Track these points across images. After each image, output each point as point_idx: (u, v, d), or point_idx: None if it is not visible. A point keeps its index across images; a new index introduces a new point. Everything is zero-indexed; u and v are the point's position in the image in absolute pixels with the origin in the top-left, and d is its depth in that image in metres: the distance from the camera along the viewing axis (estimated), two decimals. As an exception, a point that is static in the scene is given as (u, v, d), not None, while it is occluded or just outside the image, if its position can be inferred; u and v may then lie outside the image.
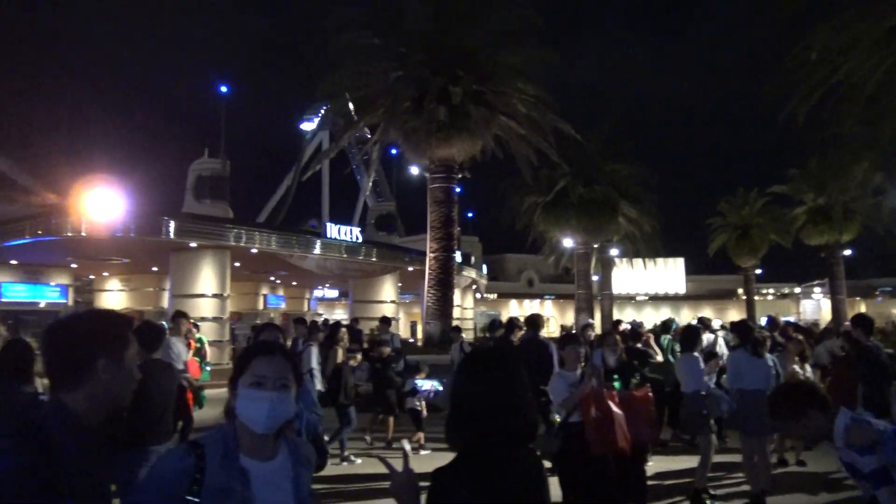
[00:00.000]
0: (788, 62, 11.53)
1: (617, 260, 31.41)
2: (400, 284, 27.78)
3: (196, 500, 1.63)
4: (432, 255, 16.03)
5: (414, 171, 20.99)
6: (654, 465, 7.41)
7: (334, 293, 43.29)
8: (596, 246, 26.31)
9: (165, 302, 26.05)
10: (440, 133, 14.79)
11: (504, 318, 41.55)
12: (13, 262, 21.83)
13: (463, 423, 1.77)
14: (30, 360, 5.27)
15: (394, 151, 20.80)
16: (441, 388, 9.22)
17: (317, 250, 21.43)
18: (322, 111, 49.74)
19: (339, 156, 52.39)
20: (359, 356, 8.91)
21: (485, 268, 40.22)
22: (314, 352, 8.57)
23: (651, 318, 36.99)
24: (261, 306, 29.89)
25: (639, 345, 8.22)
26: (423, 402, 8.84)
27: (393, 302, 26.34)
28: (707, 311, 38.40)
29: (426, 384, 9.20)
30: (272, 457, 1.79)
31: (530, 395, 1.88)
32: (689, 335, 7.34)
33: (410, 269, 25.66)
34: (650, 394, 6.10)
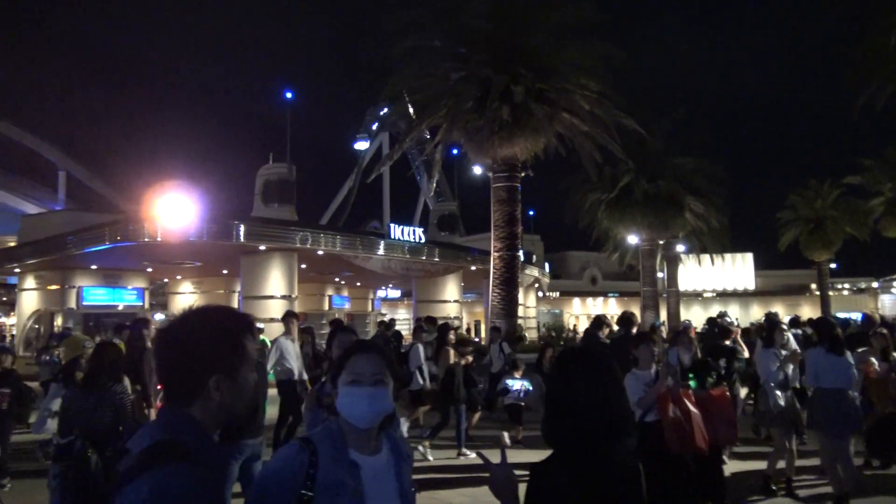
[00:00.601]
0: (866, 47, 11.09)
1: (683, 256, 30.74)
2: (462, 284, 27.87)
3: (310, 494, 1.71)
4: (496, 254, 16.04)
5: (476, 170, 21.02)
6: (732, 465, 7.27)
7: (397, 293, 43.74)
8: (661, 242, 25.84)
9: (235, 303, 26.84)
10: (503, 132, 14.79)
11: (566, 316, 41.23)
12: (94, 266, 22.81)
13: (559, 420, 1.85)
14: (121, 361, 5.57)
15: (455, 151, 20.82)
16: (531, 388, 9.20)
17: (380, 251, 21.69)
18: (382, 113, 50.49)
19: (399, 157, 53.02)
20: (470, 357, 9.22)
21: (547, 266, 39.94)
22: (420, 350, 9.11)
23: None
24: (326, 307, 30.43)
25: (727, 342, 8.02)
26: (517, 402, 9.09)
27: (456, 301, 26.46)
28: (778, 308, 37.23)
29: (517, 384, 9.22)
30: (377, 451, 1.87)
31: (623, 390, 1.96)
32: (767, 330, 7.22)
33: (473, 268, 25.72)
34: (727, 393, 6.02)
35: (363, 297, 34.53)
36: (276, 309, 19.21)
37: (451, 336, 9.20)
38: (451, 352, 8.73)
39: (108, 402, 5.16)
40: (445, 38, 15.29)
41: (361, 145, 38.15)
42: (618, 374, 1.94)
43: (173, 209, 17.18)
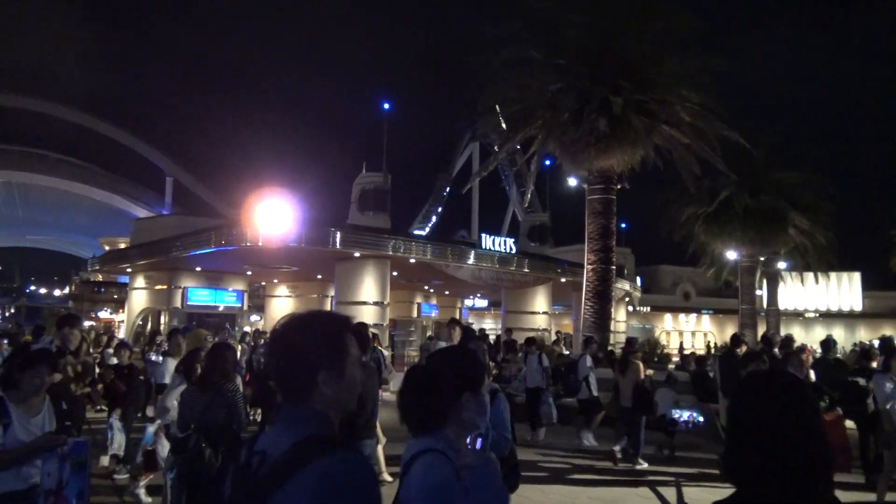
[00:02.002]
0: None
1: (784, 273, 29.40)
2: (551, 295, 27.62)
3: None
4: (590, 266, 15.83)
5: (571, 182, 20.82)
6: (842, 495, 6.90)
7: (484, 303, 43.80)
8: (762, 258, 24.81)
9: (328, 307, 27.59)
10: (600, 144, 14.61)
11: (658, 332, 40.12)
12: (198, 268, 23.94)
13: (746, 454, 1.59)
14: (234, 361, 5.82)
15: (547, 163, 20.69)
16: (702, 419, 9.01)
17: (470, 260, 21.80)
18: (475, 125, 50.81)
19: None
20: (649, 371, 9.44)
21: (639, 279, 39.04)
22: (588, 361, 9.37)
23: (821, 336, 34.25)
24: (415, 314, 30.79)
25: (874, 363, 7.64)
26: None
27: (545, 313, 26.25)
28: (888, 330, 35.00)
29: (685, 414, 9.02)
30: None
31: (821, 425, 1.65)
32: (885, 355, 6.89)
33: (563, 280, 25.48)
34: (840, 417, 5.75)
35: (451, 306, 34.76)
36: (368, 315, 19.63)
37: (637, 347, 9.60)
38: (641, 365, 8.98)
39: (222, 400, 5.41)
40: (543, 49, 15.24)
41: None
42: (815, 405, 1.68)
43: (274, 215, 17.82)
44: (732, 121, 16.17)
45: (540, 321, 25.55)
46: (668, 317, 46.26)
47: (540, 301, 26.13)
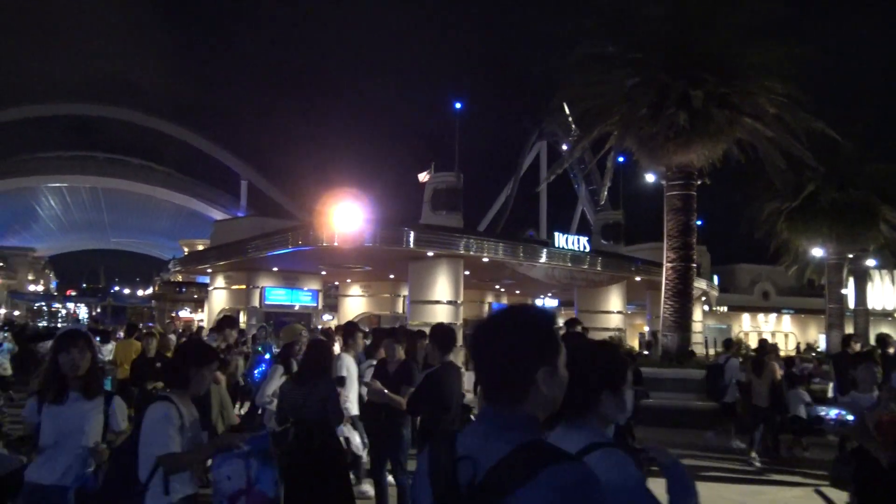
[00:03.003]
0: None
1: (872, 271, 28.06)
2: (625, 295, 27.10)
3: None
4: (669, 264, 15.45)
5: (648, 178, 20.43)
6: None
7: (554, 302, 43.38)
8: (850, 256, 23.72)
9: (400, 307, 27.82)
10: (679, 139, 14.23)
11: (735, 332, 38.90)
12: (275, 268, 24.51)
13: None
14: (331, 358, 5.90)
15: (620, 160, 20.31)
16: (853, 418, 8.86)
17: (542, 259, 21.59)
18: (542, 124, 50.46)
19: (557, 166, 52.71)
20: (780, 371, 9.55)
21: (716, 278, 37.91)
22: (737, 364, 9.56)
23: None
24: (486, 314, 30.71)
25: None
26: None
27: (620, 312, 25.79)
28: None
29: (832, 412, 8.82)
30: None
31: None
32: None
33: (638, 278, 24.97)
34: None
35: (521, 306, 34.46)
36: (442, 314, 19.68)
37: (773, 349, 9.79)
38: (776, 367, 9.13)
39: (317, 395, 5.48)
40: (620, 44, 14.96)
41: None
42: None
43: (348, 216, 18.04)
44: (820, 111, 15.52)
45: (614, 321, 25.12)
46: (745, 317, 44.79)
47: (614, 300, 25.68)
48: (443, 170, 24.03)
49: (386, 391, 6.12)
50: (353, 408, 6.96)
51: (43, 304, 60.05)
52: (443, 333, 6.00)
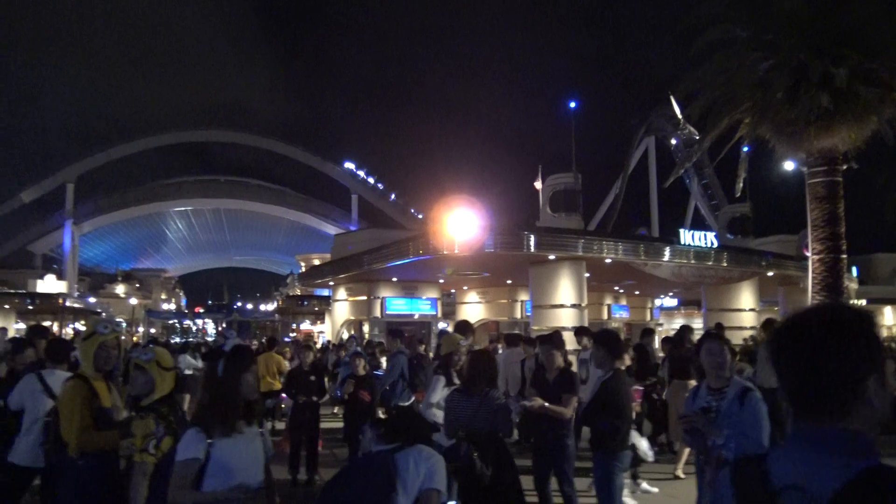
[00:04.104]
0: None
1: None
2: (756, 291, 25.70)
3: None
4: (816, 257, 14.42)
5: (788, 166, 19.25)
6: None
7: (674, 302, 41.91)
8: None
9: (518, 312, 27.59)
10: (821, 121, 13.24)
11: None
12: (394, 279, 24.88)
13: None
14: (496, 369, 5.75)
15: (745, 149, 19.23)
16: None
17: (666, 257, 20.79)
18: (649, 119, 48.98)
19: (665, 160, 51.02)
20: None
21: (855, 270, 35.34)
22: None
23: None
24: (605, 316, 29.99)
25: None
26: None
27: (752, 310, 24.46)
28: None
29: None
30: None
31: None
32: None
33: (770, 273, 23.62)
34: None
35: (641, 307, 33.49)
36: (566, 318, 19.31)
37: None
38: None
39: (486, 407, 5.34)
40: (750, 27, 14.15)
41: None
42: None
43: (466, 223, 18.03)
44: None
45: (746, 319, 23.81)
46: (887, 310, 41.51)
47: (746, 297, 24.37)
48: (559, 171, 23.64)
49: (546, 404, 5.91)
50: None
51: (175, 321, 63.86)
52: (612, 339, 5.75)
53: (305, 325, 46.85)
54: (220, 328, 65.42)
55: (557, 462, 6.05)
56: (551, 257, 19.20)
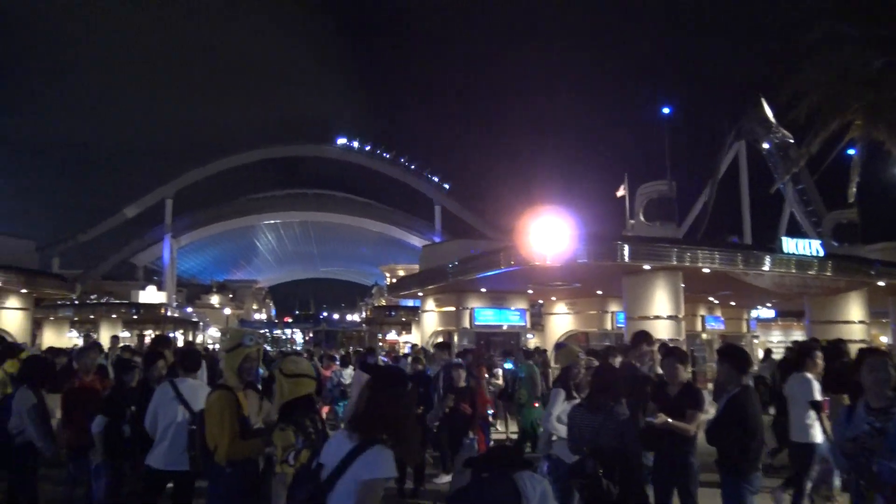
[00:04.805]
0: None
1: None
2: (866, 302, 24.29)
3: None
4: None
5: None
6: None
7: (771, 313, 40.19)
8: None
9: (609, 324, 27.07)
10: (942, 121, 12.52)
11: None
12: (483, 289, 24.87)
13: None
14: (620, 382, 5.63)
15: (850, 152, 18.30)
16: None
17: (766, 266, 19.94)
18: (739, 123, 47.35)
19: (755, 166, 49.14)
20: None
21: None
22: None
23: None
24: (699, 327, 29.05)
25: None
26: None
27: (862, 322, 23.14)
28: None
29: None
30: None
31: None
32: None
33: (881, 283, 22.28)
34: None
35: (737, 318, 32.24)
36: (662, 329, 18.76)
37: None
38: None
39: (613, 423, 5.23)
40: (862, 23, 13.51)
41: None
42: None
43: (557, 233, 17.80)
44: None
45: (855, 332, 22.51)
46: None
47: (854, 309, 23.04)
48: (648, 178, 23.17)
49: (670, 419, 5.73)
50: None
51: (266, 330, 65.95)
52: (737, 353, 5.54)
53: (391, 336, 47.42)
54: (307, 338, 67.11)
55: (681, 482, 5.86)
56: (646, 267, 18.75)
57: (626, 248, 18.02)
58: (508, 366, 17.09)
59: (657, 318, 19.07)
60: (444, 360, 10.34)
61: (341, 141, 65.64)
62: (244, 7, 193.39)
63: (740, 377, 5.39)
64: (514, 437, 12.74)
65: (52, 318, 35.74)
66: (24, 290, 23.53)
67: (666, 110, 23.18)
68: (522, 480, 3.20)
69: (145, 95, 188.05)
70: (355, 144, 65.11)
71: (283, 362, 4.48)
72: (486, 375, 14.27)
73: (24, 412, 6.92)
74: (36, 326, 29.44)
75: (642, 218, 21.40)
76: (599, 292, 25.51)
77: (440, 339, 24.31)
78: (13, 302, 23.53)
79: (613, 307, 26.09)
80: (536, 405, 11.35)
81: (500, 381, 14.10)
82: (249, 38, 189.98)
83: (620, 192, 25.47)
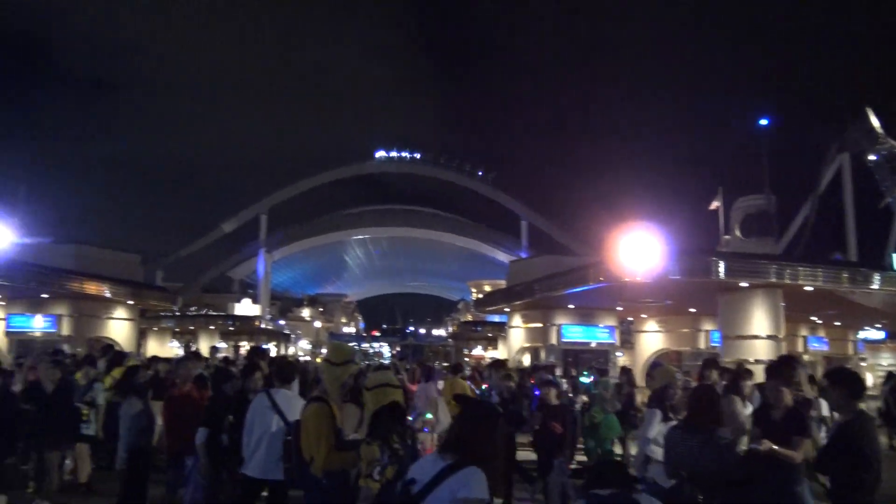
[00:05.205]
0: None
1: None
2: None
3: None
4: None
5: None
6: None
7: (880, 334, 37.77)
8: None
9: (702, 343, 26.11)
10: None
11: None
12: (570, 305, 24.53)
13: None
14: (718, 405, 5.40)
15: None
16: None
17: (875, 285, 18.78)
18: (843, 135, 45.03)
19: (861, 178, 46.44)
20: None
21: None
22: None
23: None
24: (800, 348, 27.61)
25: None
26: None
27: (985, 345, 21.45)
28: None
29: None
30: None
31: None
32: None
33: None
34: None
35: (841, 339, 30.47)
36: (761, 350, 17.97)
37: None
38: None
39: (712, 446, 5.01)
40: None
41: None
42: None
43: (647, 248, 17.33)
44: None
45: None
46: None
47: (975, 330, 21.44)
48: (744, 192, 22.27)
49: (775, 446, 5.43)
50: None
51: (355, 343, 67.23)
52: (851, 378, 5.19)
53: (478, 351, 47.37)
54: (394, 351, 67.95)
55: (786, 510, 5.54)
56: (743, 285, 18.01)
57: (722, 265, 17.35)
58: (585, 380, 16.75)
59: (755, 337, 18.26)
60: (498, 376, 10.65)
61: (427, 157, 66.58)
62: (333, 33, 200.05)
63: (854, 403, 5.05)
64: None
65: (155, 329, 37.60)
66: (130, 302, 24.89)
67: (763, 121, 22.26)
68: (648, 502, 3.15)
69: (241, 117, 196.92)
70: (441, 161, 65.86)
71: (367, 379, 4.58)
72: (570, 394, 13.97)
73: (127, 419, 7.30)
74: (141, 336, 31.01)
75: (738, 233, 20.52)
76: (692, 310, 24.68)
77: (498, 358, 24.20)
78: (121, 313, 24.92)
79: (707, 325, 25.16)
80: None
81: (586, 398, 13.72)
82: (339, 61, 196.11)
83: (714, 206, 24.61)
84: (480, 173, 64.74)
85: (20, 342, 23.15)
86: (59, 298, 22.72)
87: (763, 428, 5.71)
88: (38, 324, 23.35)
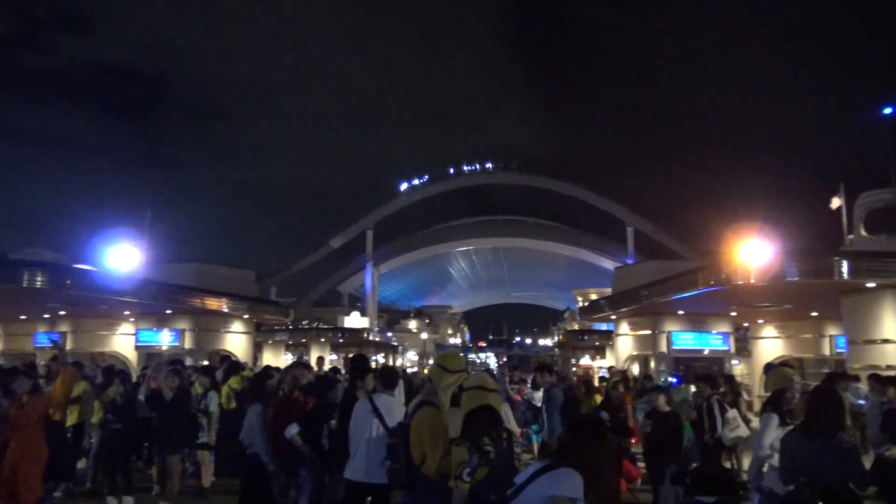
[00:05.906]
0: None
1: None
2: None
3: None
4: None
5: None
6: None
7: None
8: None
9: (826, 349, 24.51)
10: None
11: None
12: (680, 312, 23.67)
13: None
14: (842, 409, 5.04)
15: None
16: None
17: None
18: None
19: None
20: None
21: None
22: None
23: None
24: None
25: None
26: None
27: None
28: None
29: None
30: None
31: None
32: None
33: None
34: None
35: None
36: (892, 355, 16.68)
37: None
38: None
39: (833, 451, 4.69)
40: None
41: None
42: None
43: (760, 250, 16.49)
44: None
45: None
46: None
47: None
48: (868, 186, 20.69)
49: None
50: None
51: (462, 354, 67.59)
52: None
53: (585, 360, 46.45)
54: (500, 362, 67.79)
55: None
56: (870, 285, 16.78)
57: (846, 264, 16.23)
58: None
59: (886, 341, 16.92)
60: (549, 383, 11.09)
61: (526, 166, 66.37)
62: (431, 49, 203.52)
63: None
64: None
65: (269, 342, 39.21)
66: (246, 316, 26.11)
67: (888, 110, 20.55)
68: None
69: (346, 137, 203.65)
70: (542, 169, 65.45)
71: (466, 379, 4.61)
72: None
73: (255, 426, 7.53)
74: (256, 349, 32.43)
75: (863, 231, 19.10)
76: (814, 314, 23.22)
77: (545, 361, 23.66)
78: (238, 326, 26.19)
79: (832, 331, 23.61)
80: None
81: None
82: (438, 75, 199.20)
83: (835, 204, 23.09)
84: (590, 182, 63.87)
85: (149, 355, 24.76)
86: (181, 314, 24.12)
87: (891, 433, 5.31)
88: (164, 338, 24.87)
